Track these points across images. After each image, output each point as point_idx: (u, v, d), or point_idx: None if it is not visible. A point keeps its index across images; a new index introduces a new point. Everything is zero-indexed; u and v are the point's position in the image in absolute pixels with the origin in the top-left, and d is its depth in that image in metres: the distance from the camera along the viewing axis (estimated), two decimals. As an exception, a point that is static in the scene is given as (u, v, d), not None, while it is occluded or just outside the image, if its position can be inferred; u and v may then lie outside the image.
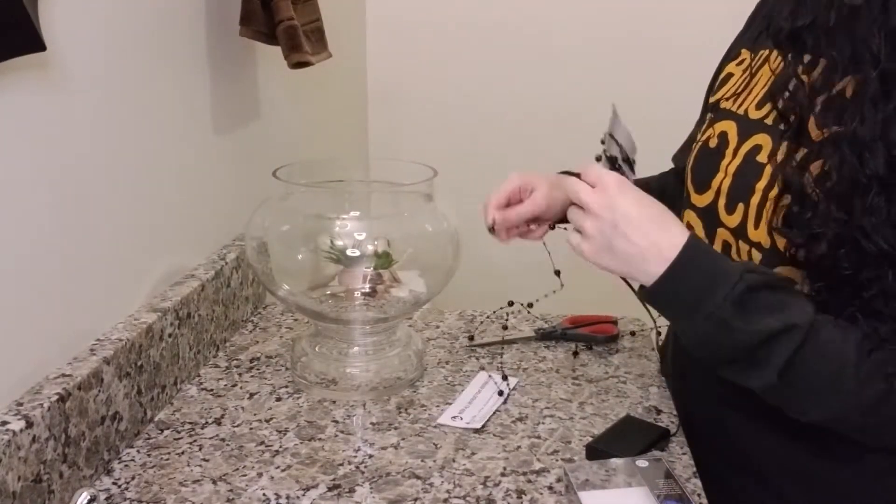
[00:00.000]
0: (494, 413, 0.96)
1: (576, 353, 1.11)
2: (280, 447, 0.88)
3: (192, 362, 1.02)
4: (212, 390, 1.00)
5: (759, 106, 0.86)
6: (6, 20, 0.69)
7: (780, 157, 0.78)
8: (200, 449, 0.88)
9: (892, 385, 0.72)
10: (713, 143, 0.90)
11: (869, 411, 0.74)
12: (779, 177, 0.78)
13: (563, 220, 0.90)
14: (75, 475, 0.78)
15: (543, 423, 0.94)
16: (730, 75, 0.95)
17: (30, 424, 0.71)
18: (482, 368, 1.07)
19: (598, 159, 0.89)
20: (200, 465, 0.85)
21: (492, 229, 0.98)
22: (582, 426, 0.94)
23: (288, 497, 0.80)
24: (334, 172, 1.08)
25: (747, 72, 0.91)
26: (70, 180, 0.83)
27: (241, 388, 1.01)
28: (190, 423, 0.93)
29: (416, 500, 0.80)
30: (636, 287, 0.85)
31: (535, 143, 1.85)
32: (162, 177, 1.01)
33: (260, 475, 0.83)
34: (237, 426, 0.92)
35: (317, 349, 1.03)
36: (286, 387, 1.01)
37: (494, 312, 1.22)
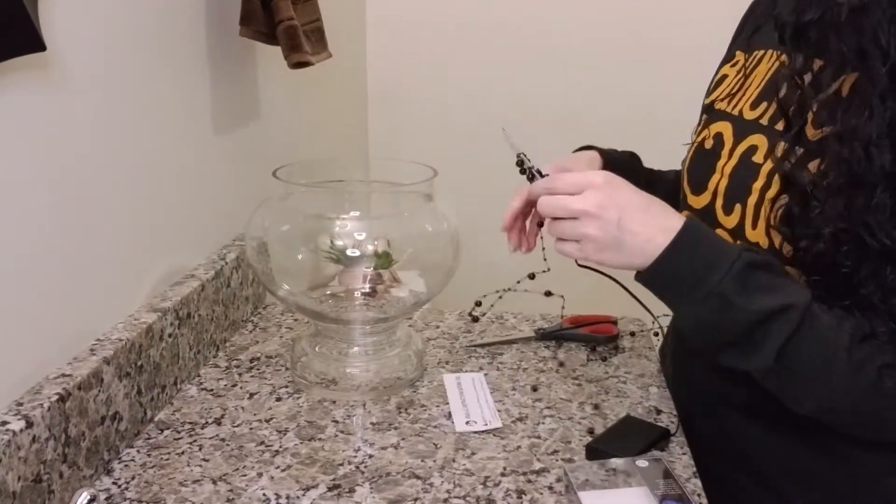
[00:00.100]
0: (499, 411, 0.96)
1: (580, 354, 1.11)
2: (280, 447, 0.88)
3: (192, 362, 1.02)
4: (212, 390, 1.00)
5: (753, 106, 0.86)
6: (6, 20, 0.69)
7: (779, 153, 0.78)
8: (200, 449, 0.88)
9: (883, 377, 0.72)
10: (708, 144, 0.90)
11: (861, 400, 0.74)
12: (777, 175, 0.78)
13: None
14: (75, 475, 0.78)
15: (543, 423, 0.94)
16: (724, 77, 0.95)
17: (30, 424, 0.71)
18: (481, 369, 1.07)
19: (523, 171, 0.88)
20: (200, 465, 0.85)
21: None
22: (582, 426, 0.94)
23: (288, 497, 0.80)
24: (334, 172, 1.08)
25: (741, 73, 0.91)
26: (70, 180, 0.83)
27: (241, 388, 1.01)
28: (190, 423, 0.93)
29: (416, 500, 0.80)
30: (631, 289, 0.85)
31: (534, 143, 1.84)
32: (162, 177, 1.01)
33: (260, 475, 0.83)
34: (237, 426, 0.92)
35: (317, 349, 1.03)
36: (286, 387, 1.01)
37: (490, 295, 1.21)
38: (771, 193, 0.79)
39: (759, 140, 0.83)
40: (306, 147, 1.53)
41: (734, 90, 0.91)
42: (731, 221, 0.84)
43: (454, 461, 0.86)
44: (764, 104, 0.85)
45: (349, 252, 0.99)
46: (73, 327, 0.84)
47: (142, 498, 0.79)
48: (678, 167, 1.05)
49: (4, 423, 0.70)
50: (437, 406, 0.98)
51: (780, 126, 0.81)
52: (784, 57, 0.81)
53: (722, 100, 0.92)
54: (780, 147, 0.78)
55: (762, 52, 0.90)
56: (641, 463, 0.83)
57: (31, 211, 0.77)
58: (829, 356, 0.73)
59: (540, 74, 1.89)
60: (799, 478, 0.85)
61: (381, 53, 1.94)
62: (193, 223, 1.10)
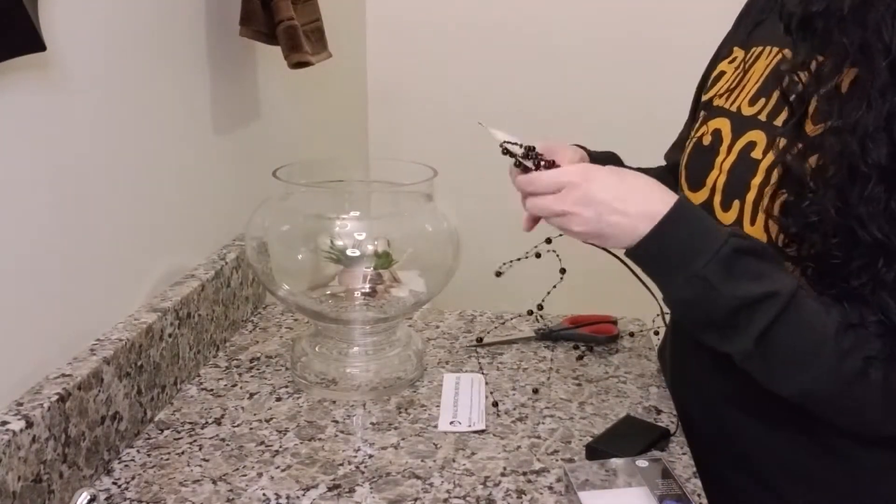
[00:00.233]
0: (490, 414, 0.96)
1: (577, 354, 1.11)
2: (280, 447, 0.88)
3: (192, 362, 1.02)
4: (212, 390, 1.00)
5: (752, 102, 0.86)
6: (6, 20, 0.69)
7: (781, 145, 0.78)
8: (200, 449, 0.88)
9: (869, 367, 0.73)
10: (707, 140, 0.90)
11: (844, 388, 0.74)
12: (776, 168, 0.78)
13: None
14: (75, 475, 0.78)
15: (543, 423, 0.94)
16: (722, 73, 0.95)
17: (30, 424, 0.71)
18: (481, 369, 1.07)
19: (516, 164, 0.87)
20: (200, 465, 0.85)
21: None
22: (582, 426, 0.94)
23: (288, 497, 0.80)
24: (334, 172, 1.08)
25: (740, 69, 0.91)
26: (70, 180, 0.83)
27: (241, 388, 1.01)
28: (190, 423, 0.93)
29: (416, 500, 0.80)
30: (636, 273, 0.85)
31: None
32: (162, 177, 1.01)
33: (260, 475, 0.83)
34: (237, 426, 0.92)
35: (317, 349, 1.03)
36: (286, 387, 1.01)
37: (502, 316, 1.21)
38: (769, 189, 0.79)
39: (757, 136, 0.83)
40: (306, 147, 1.53)
41: (732, 86, 0.91)
42: (729, 218, 0.84)
43: (454, 461, 0.86)
44: (762, 100, 0.85)
45: (349, 252, 0.99)
46: (73, 327, 0.84)
47: (142, 498, 0.79)
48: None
49: (4, 423, 0.70)
50: (437, 406, 0.97)
51: (778, 122, 0.81)
52: (784, 52, 0.81)
53: (720, 96, 0.92)
54: (781, 140, 0.78)
55: (761, 48, 0.90)
56: (641, 463, 0.83)
57: (31, 211, 0.77)
58: (815, 343, 0.73)
59: (540, 74, 1.89)
60: (799, 478, 0.85)
61: (381, 53, 1.94)
62: (193, 223, 1.10)
